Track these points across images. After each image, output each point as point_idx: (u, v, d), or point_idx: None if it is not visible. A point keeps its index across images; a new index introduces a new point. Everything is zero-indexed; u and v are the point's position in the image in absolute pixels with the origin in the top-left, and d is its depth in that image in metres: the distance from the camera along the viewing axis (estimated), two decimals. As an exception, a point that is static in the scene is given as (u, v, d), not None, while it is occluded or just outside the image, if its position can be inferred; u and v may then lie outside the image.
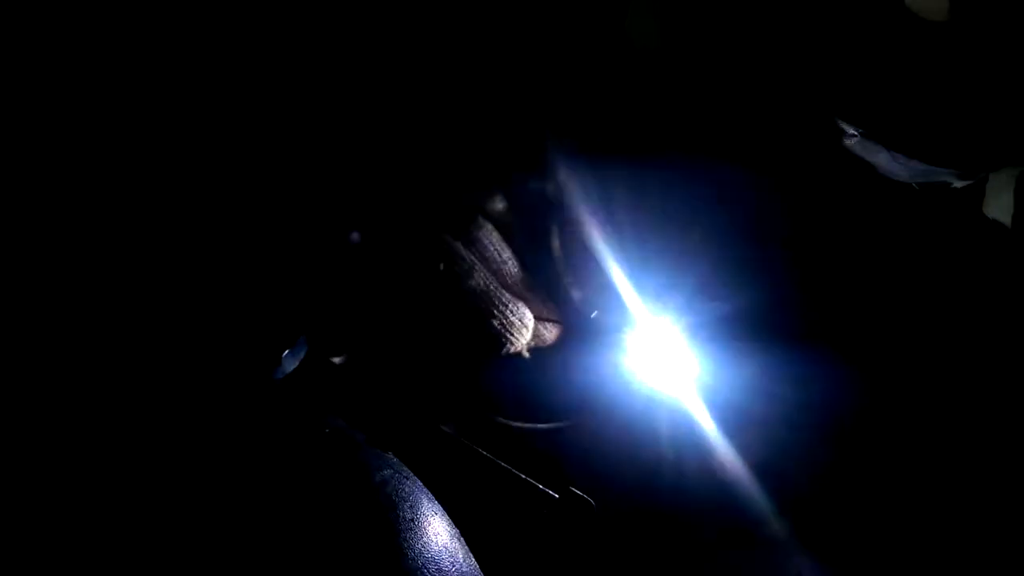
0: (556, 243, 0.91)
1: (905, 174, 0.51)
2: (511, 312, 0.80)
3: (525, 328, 0.81)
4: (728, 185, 0.73)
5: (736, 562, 0.92)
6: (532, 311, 0.83)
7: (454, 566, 0.47)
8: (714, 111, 0.73)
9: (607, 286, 0.89)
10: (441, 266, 0.74)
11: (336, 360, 0.73)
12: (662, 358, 0.90)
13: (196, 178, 0.81)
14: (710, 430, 0.90)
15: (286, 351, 0.61)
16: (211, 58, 0.87)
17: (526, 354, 0.83)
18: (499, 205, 0.88)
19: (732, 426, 0.90)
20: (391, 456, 0.47)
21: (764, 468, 0.91)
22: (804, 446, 0.93)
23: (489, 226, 0.84)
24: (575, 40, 0.89)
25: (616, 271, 0.88)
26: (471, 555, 0.51)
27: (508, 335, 0.79)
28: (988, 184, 0.74)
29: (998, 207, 0.74)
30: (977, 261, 0.68)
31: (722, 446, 0.89)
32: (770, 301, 0.82)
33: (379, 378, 0.74)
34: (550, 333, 0.85)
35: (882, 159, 0.50)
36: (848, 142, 0.49)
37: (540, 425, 1.00)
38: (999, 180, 0.74)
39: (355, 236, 0.78)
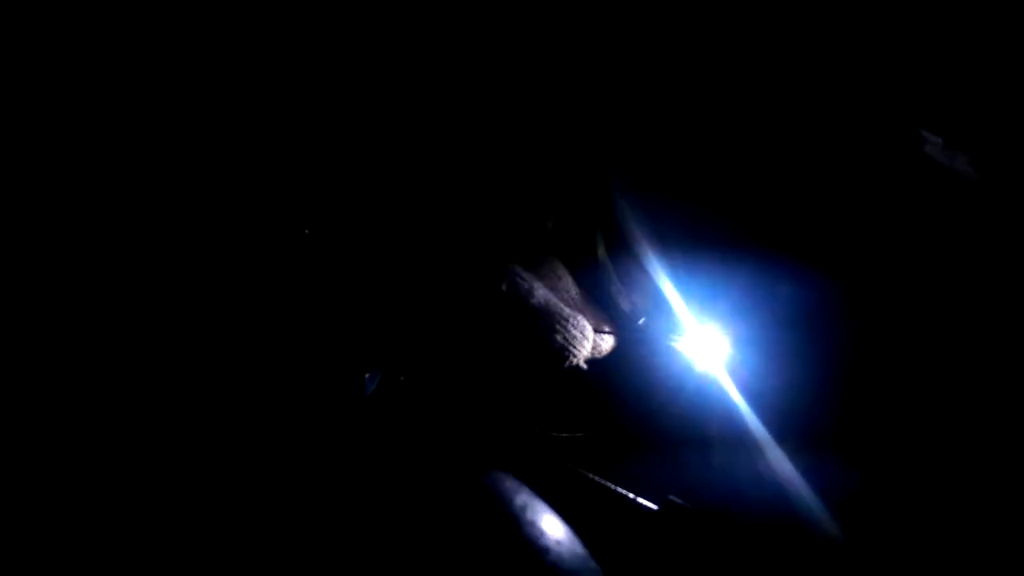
0: (602, 252, 0.92)
1: (978, 177, 0.52)
2: (572, 326, 0.81)
3: (586, 340, 0.83)
4: (781, 193, 0.75)
5: (784, 552, 0.93)
6: (590, 323, 0.84)
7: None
8: (783, 117, 0.74)
9: (654, 293, 0.90)
10: (504, 287, 0.76)
11: (402, 379, 0.75)
12: (709, 362, 0.92)
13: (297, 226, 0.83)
14: (758, 431, 0.91)
15: (367, 374, 0.63)
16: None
17: (584, 366, 0.85)
18: (548, 225, 0.90)
19: (779, 428, 0.91)
20: (513, 477, 0.49)
21: (810, 469, 0.92)
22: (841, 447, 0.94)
23: (543, 247, 0.86)
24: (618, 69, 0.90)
25: (663, 278, 0.90)
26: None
27: (571, 348, 0.81)
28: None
29: None
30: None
31: (771, 447, 0.91)
32: (821, 307, 0.83)
33: (462, 395, 0.76)
34: (606, 344, 0.87)
35: (960, 163, 0.51)
36: (929, 149, 0.51)
37: (577, 433, 1.01)
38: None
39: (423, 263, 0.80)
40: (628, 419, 0.93)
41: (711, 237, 0.89)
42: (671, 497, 0.64)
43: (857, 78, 0.65)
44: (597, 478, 0.67)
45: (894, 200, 0.65)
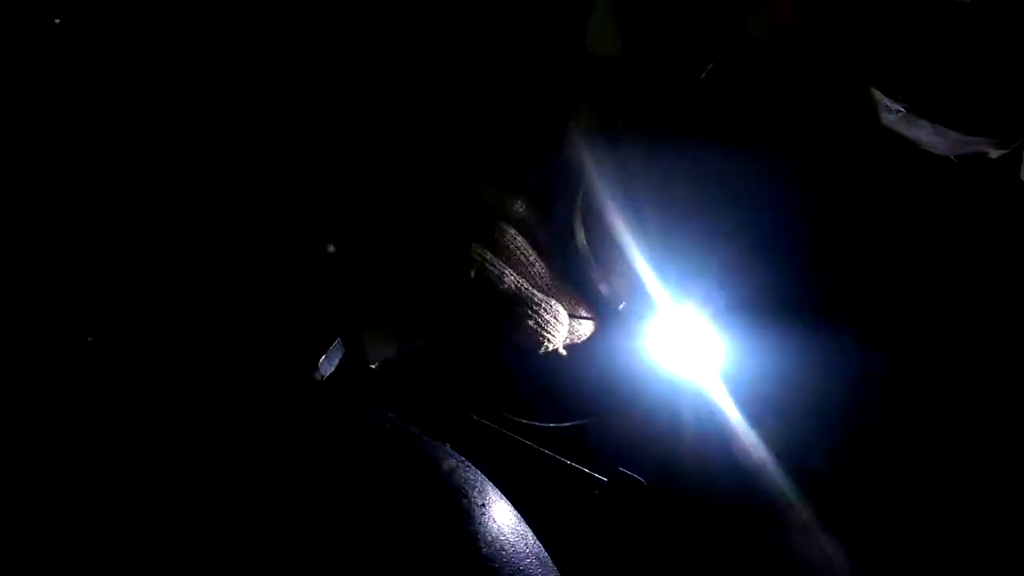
0: (581, 239, 0.92)
1: (944, 147, 0.52)
2: (544, 311, 0.81)
3: (560, 324, 0.82)
4: (754, 171, 0.74)
5: (760, 544, 0.92)
6: (565, 308, 0.84)
7: (526, 547, 0.48)
8: (744, 95, 0.74)
9: (633, 278, 0.90)
10: (472, 274, 0.75)
11: (373, 366, 0.75)
12: (687, 346, 0.91)
13: (237, 194, 0.82)
14: (733, 417, 0.90)
15: (322, 356, 0.63)
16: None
17: (563, 351, 0.84)
18: (520, 208, 0.89)
19: (755, 414, 0.91)
20: (450, 447, 0.49)
21: (786, 455, 0.92)
22: (825, 433, 0.94)
23: (512, 231, 0.85)
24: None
25: (641, 262, 0.89)
26: (536, 538, 0.52)
27: (544, 333, 0.80)
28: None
29: None
30: (1016, 232, 0.69)
31: (745, 433, 0.90)
32: (794, 288, 0.83)
33: (422, 379, 0.75)
34: (584, 328, 0.86)
35: (924, 133, 0.51)
36: (889, 118, 0.51)
37: (563, 424, 1.01)
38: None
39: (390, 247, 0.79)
40: (596, 407, 0.92)
41: (692, 222, 0.88)
42: (621, 469, 0.63)
43: (807, 39, 0.64)
44: (545, 451, 0.66)
45: (854, 176, 0.64)
